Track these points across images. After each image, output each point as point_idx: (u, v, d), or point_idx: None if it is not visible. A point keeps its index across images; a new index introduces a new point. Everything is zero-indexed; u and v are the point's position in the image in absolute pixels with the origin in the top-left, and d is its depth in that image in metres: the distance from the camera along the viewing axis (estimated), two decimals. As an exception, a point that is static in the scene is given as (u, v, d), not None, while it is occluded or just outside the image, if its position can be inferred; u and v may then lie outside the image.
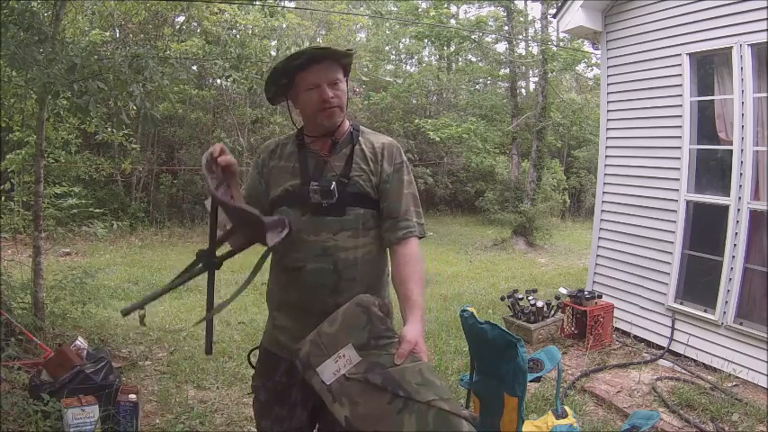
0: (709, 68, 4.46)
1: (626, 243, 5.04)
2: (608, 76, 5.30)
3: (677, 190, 4.54)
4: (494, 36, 14.68)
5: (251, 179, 1.86)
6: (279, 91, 1.80)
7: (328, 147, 1.76)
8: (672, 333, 4.49)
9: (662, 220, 4.69)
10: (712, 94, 4.41)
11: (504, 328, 2.15)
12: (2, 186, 4.93)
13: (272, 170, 1.80)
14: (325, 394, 1.49)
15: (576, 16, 5.23)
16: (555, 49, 12.92)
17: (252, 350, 1.92)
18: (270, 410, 1.79)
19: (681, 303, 4.48)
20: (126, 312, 1.60)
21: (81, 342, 3.47)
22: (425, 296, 1.67)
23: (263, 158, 1.85)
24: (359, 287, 1.69)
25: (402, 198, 1.75)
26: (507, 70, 15.03)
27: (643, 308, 4.80)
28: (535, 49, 14.42)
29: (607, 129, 5.31)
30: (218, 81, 13.25)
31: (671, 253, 4.57)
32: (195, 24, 12.11)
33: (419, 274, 1.67)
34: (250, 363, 1.90)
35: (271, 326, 1.84)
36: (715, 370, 4.08)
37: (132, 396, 3.04)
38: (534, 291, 5.15)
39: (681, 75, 4.49)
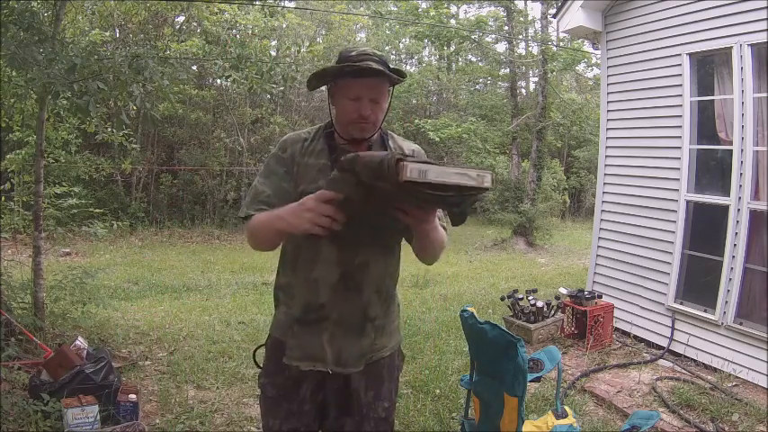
0: (709, 68, 4.46)
1: (626, 243, 5.04)
2: (608, 76, 5.30)
3: (677, 190, 4.54)
4: (494, 36, 14.68)
5: (276, 177, 1.74)
6: (320, 84, 1.78)
7: (364, 149, 1.73)
8: (672, 333, 4.49)
9: (662, 220, 4.69)
10: (712, 94, 4.40)
11: (504, 328, 2.14)
12: (2, 186, 4.93)
13: (301, 167, 1.74)
14: None
15: (575, 16, 5.23)
16: (555, 49, 12.93)
17: (257, 348, 1.88)
18: (278, 407, 1.76)
19: (681, 303, 4.48)
20: None
21: (81, 342, 3.48)
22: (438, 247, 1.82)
23: (293, 153, 1.76)
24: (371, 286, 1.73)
25: None
26: (507, 70, 15.04)
27: (643, 308, 4.79)
28: (535, 49, 14.43)
29: (607, 129, 5.31)
30: (218, 81, 13.25)
31: (671, 253, 4.57)
32: (195, 24, 12.13)
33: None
34: (255, 362, 1.88)
35: (283, 316, 1.77)
36: (715, 370, 4.08)
37: (132, 396, 3.05)
38: (534, 291, 5.15)
39: (681, 75, 4.49)
